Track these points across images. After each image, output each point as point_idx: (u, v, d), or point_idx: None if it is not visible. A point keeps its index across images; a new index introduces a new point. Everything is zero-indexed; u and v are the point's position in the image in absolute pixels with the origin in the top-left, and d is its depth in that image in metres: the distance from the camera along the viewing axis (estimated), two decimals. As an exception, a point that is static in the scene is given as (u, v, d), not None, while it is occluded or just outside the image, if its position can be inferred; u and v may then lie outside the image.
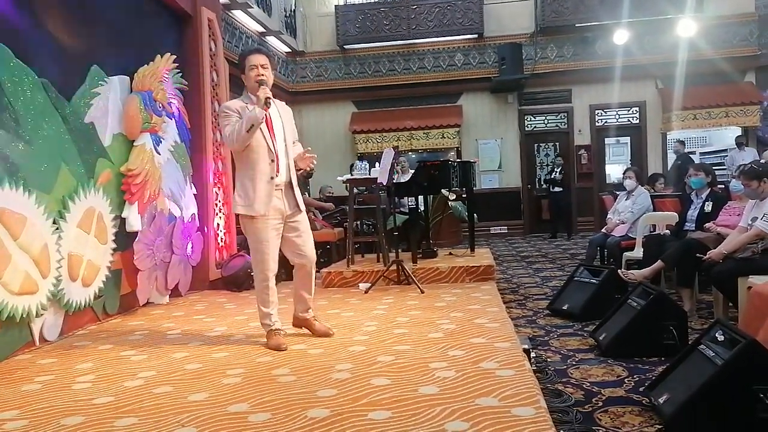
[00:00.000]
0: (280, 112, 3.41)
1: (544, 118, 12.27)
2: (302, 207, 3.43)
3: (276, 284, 3.41)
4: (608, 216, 6.37)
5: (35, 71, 3.68)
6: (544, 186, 11.34)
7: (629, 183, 6.11)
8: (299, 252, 3.41)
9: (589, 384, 3.08)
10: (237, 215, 3.48)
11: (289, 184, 3.38)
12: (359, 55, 12.20)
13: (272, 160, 3.27)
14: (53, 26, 3.95)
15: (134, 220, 4.55)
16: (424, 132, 11.94)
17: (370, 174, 5.84)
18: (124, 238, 4.51)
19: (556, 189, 10.92)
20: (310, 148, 3.51)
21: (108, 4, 4.56)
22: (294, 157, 3.43)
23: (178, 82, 5.23)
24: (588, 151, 11.96)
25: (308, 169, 3.47)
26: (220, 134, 5.82)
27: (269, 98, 3.19)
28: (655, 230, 5.78)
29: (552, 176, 10.96)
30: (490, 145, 12.23)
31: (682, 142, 10.74)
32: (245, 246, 6.22)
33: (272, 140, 3.29)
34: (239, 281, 5.44)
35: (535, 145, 12.31)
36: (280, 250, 3.41)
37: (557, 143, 12.24)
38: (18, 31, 3.61)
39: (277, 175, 3.27)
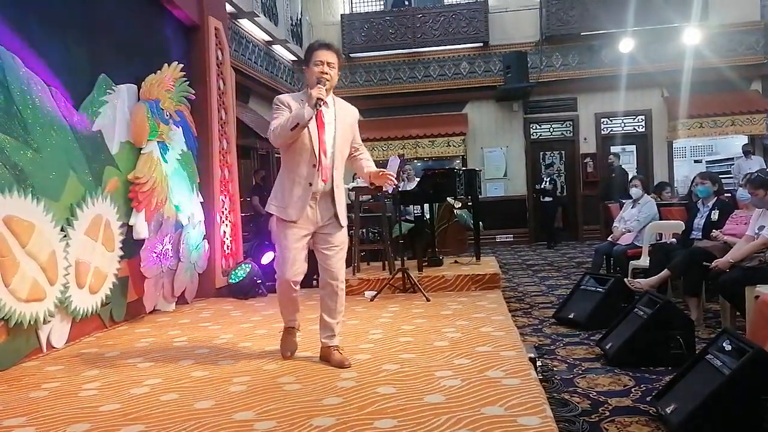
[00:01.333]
0: (338, 115, 3.12)
1: (549, 126, 12.28)
2: (343, 221, 3.12)
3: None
4: (614, 224, 6.36)
5: (44, 80, 3.71)
6: (534, 195, 11.33)
7: (635, 191, 6.10)
8: (325, 266, 3.11)
9: (595, 393, 3.07)
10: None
11: (330, 192, 3.08)
12: (365, 64, 12.26)
13: (314, 165, 3.01)
14: (62, 35, 3.98)
15: (141, 228, 4.58)
16: (429, 140, 11.95)
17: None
18: (131, 246, 4.53)
19: (547, 199, 10.94)
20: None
21: (116, 13, 4.60)
22: (370, 173, 3.18)
23: (185, 91, 5.26)
24: (593, 160, 11.96)
25: (384, 188, 3.21)
26: (227, 142, 5.90)
27: (322, 99, 2.92)
28: (661, 239, 5.76)
29: (543, 186, 10.97)
30: (496, 153, 12.23)
31: (617, 155, 10.77)
32: (251, 254, 6.25)
33: (318, 144, 3.02)
34: (246, 289, 5.45)
35: (541, 153, 12.30)
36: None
37: (563, 151, 12.24)
38: (27, 40, 3.65)
39: (317, 182, 3.02)
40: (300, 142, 2.99)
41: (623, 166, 10.90)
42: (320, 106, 2.93)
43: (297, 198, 3.02)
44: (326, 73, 2.99)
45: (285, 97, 3.10)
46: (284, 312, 3.28)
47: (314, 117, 2.97)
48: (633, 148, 12.12)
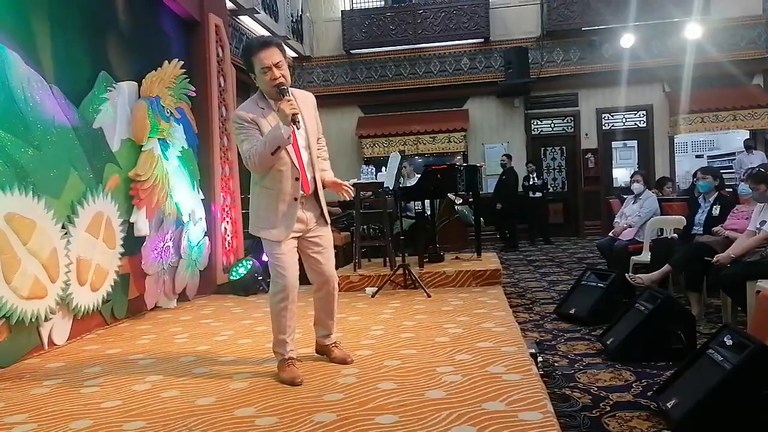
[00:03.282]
0: (301, 109, 2.77)
1: (550, 121, 12.26)
2: (327, 219, 2.98)
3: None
4: (615, 220, 6.35)
5: (45, 77, 3.72)
6: (521, 192, 10.99)
7: (637, 186, 6.08)
8: (319, 270, 2.96)
9: (596, 389, 3.07)
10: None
11: (314, 195, 2.90)
12: (366, 60, 12.23)
13: (296, 179, 2.79)
14: (62, 33, 3.98)
15: (142, 225, 4.58)
16: (430, 136, 11.94)
17: (376, 178, 5.85)
18: (132, 243, 4.54)
19: (537, 195, 10.87)
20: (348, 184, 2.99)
21: (116, 10, 4.60)
22: (326, 180, 2.96)
23: (185, 88, 5.26)
24: (595, 155, 11.94)
25: (289, 116, 2.69)
26: (227, 139, 5.90)
27: (297, 112, 2.64)
28: (662, 234, 5.75)
29: (531, 182, 10.88)
30: (497, 149, 12.21)
31: (509, 156, 10.69)
32: (252, 251, 6.26)
33: (296, 155, 2.80)
34: (246, 286, 5.45)
35: (542, 148, 12.29)
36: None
37: (564, 147, 12.23)
38: (27, 38, 3.65)
39: (301, 194, 2.82)
40: (278, 159, 2.73)
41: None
42: (297, 122, 2.66)
43: (283, 215, 2.79)
44: (280, 78, 2.70)
45: (243, 114, 2.75)
46: (282, 332, 2.84)
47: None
48: (634, 143, 12.10)
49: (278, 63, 2.71)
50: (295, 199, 2.80)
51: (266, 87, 2.75)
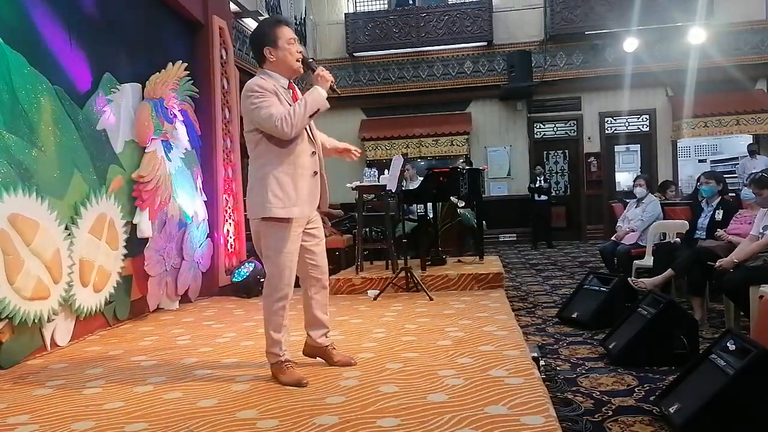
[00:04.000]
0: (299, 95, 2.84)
1: (553, 125, 12.26)
2: (325, 206, 2.96)
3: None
4: (618, 224, 6.34)
5: (49, 79, 3.73)
6: (528, 194, 11.16)
7: (639, 191, 6.08)
8: (315, 263, 2.89)
9: (598, 393, 3.06)
10: (248, 220, 2.93)
11: (322, 177, 2.89)
12: (369, 63, 12.26)
13: (313, 152, 2.79)
14: (66, 35, 3.99)
15: (145, 227, 4.59)
16: (433, 139, 11.95)
17: (379, 181, 5.85)
18: (135, 244, 4.54)
19: (542, 198, 10.88)
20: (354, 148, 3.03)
21: (120, 12, 4.61)
22: (338, 146, 2.99)
23: (189, 90, 5.27)
24: (598, 159, 11.93)
25: (328, 82, 2.81)
26: (230, 141, 5.91)
27: (333, 80, 2.75)
28: (665, 238, 5.74)
29: (537, 185, 10.91)
30: (499, 152, 12.22)
31: (467, 160, 10.72)
32: (254, 253, 6.26)
33: (311, 129, 2.82)
34: (249, 287, 5.46)
35: (545, 152, 12.29)
36: None
37: (566, 151, 12.23)
38: (32, 39, 3.66)
39: (318, 170, 2.82)
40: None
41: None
42: (335, 89, 2.76)
43: (306, 192, 2.75)
44: (300, 51, 2.78)
45: (264, 83, 2.69)
46: (277, 331, 2.78)
47: (291, 103, 2.73)
48: (637, 147, 12.09)
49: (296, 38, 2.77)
50: (315, 173, 2.79)
51: (288, 59, 2.74)
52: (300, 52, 2.75)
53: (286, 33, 2.73)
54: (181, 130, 5.14)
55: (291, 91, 2.81)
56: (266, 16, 9.21)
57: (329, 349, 3.00)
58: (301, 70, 2.78)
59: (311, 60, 2.76)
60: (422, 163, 12.07)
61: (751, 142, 11.11)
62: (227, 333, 3.97)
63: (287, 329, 2.83)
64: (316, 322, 2.98)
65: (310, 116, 2.67)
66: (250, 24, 9.20)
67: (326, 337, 3.01)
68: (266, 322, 2.80)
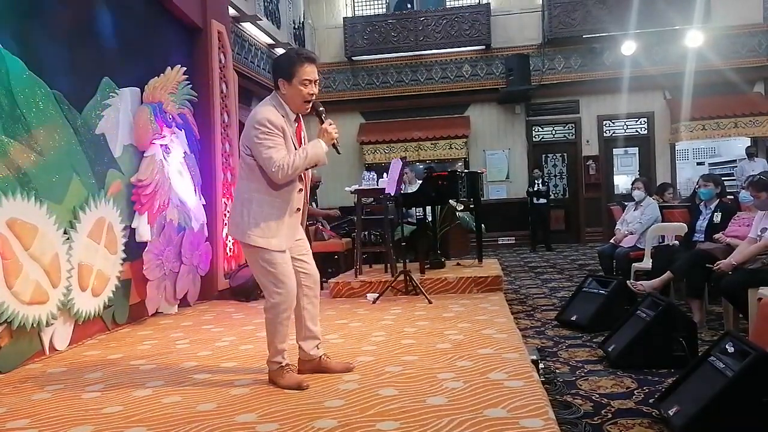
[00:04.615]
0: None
1: (551, 128, 12.29)
2: (304, 222, 3.01)
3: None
4: (617, 227, 6.35)
5: (47, 83, 3.73)
6: (526, 197, 11.19)
7: (638, 194, 6.09)
8: (306, 271, 2.91)
9: (598, 396, 3.06)
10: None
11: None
12: (367, 67, 12.28)
13: (300, 190, 2.84)
14: (65, 39, 4.00)
15: (144, 231, 4.59)
16: (431, 143, 11.97)
17: (378, 184, 5.86)
18: (134, 248, 4.54)
19: (541, 201, 10.90)
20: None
21: (119, 16, 4.62)
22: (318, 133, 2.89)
23: (187, 94, 5.28)
24: (596, 162, 11.95)
25: (332, 140, 2.81)
26: (229, 145, 5.91)
27: (338, 141, 2.79)
28: (663, 241, 5.75)
29: (536, 188, 10.92)
30: (498, 155, 12.24)
31: (431, 168, 10.64)
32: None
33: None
34: (247, 291, 5.45)
35: (543, 155, 12.31)
36: None
37: (565, 154, 12.26)
38: (30, 43, 3.66)
39: (302, 204, 2.88)
40: None
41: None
42: (338, 147, 2.81)
43: (287, 227, 2.79)
44: (313, 94, 2.74)
45: (275, 120, 2.68)
46: (282, 341, 2.81)
47: (294, 140, 2.78)
48: (635, 150, 12.12)
49: (317, 81, 2.75)
50: (298, 210, 2.85)
51: (297, 98, 2.73)
52: (312, 95, 2.74)
53: (306, 72, 2.70)
54: (180, 134, 5.14)
55: (297, 123, 2.84)
56: (264, 20, 9.23)
57: (324, 360, 2.98)
58: (307, 112, 2.79)
59: (322, 109, 2.81)
60: (421, 166, 12.07)
61: (749, 144, 11.15)
62: (226, 337, 3.97)
63: (288, 337, 2.85)
64: (308, 334, 2.95)
65: (307, 168, 2.75)
66: (249, 28, 9.21)
67: (318, 348, 2.97)
68: (272, 334, 2.81)
